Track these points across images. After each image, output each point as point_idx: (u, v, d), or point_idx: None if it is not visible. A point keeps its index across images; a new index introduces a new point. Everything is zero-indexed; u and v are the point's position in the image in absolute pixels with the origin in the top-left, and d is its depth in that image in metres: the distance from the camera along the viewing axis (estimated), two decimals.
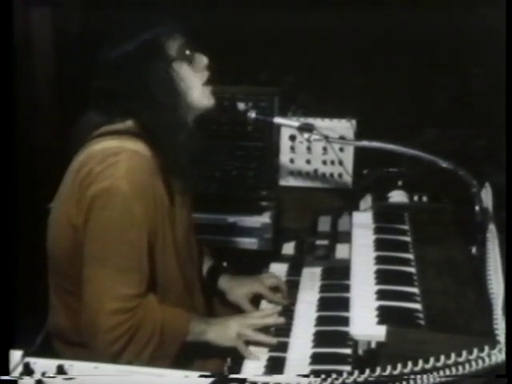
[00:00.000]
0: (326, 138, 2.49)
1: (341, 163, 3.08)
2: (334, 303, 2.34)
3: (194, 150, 2.24)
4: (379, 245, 2.41)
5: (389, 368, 1.56)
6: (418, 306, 2.04)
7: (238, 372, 2.11)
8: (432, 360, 1.58)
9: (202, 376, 1.53)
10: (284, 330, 2.26)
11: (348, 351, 2.07)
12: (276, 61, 3.43)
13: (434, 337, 1.81)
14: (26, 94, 3.17)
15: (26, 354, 1.56)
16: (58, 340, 2.31)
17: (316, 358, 2.08)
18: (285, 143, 3.17)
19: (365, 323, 1.97)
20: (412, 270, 2.24)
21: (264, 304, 2.49)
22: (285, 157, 3.19)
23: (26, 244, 2.52)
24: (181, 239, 2.28)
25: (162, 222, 2.17)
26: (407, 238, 2.45)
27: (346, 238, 2.64)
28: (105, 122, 2.24)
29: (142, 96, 2.17)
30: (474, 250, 2.32)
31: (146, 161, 2.14)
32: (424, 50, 3.34)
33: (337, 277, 2.50)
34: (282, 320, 2.30)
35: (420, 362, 1.58)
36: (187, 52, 2.24)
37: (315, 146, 3.12)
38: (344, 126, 3.09)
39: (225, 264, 2.79)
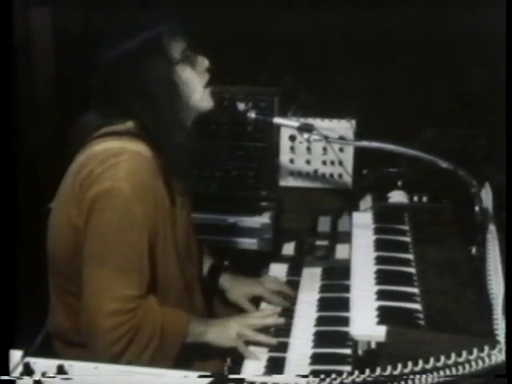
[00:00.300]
0: (326, 138, 2.49)
1: (341, 163, 3.08)
2: (334, 303, 2.34)
3: (194, 150, 2.24)
4: (379, 245, 2.41)
5: (389, 368, 1.56)
6: (417, 306, 2.04)
7: (238, 372, 2.11)
8: (432, 360, 1.58)
9: (201, 376, 1.53)
10: (284, 330, 2.26)
11: (348, 351, 2.07)
12: (276, 61, 3.42)
13: (434, 337, 1.81)
14: (26, 94, 3.17)
15: (26, 354, 1.56)
16: (58, 340, 2.31)
17: (316, 358, 2.09)
18: (285, 143, 3.17)
19: (365, 323, 1.97)
20: (412, 270, 2.24)
21: (264, 304, 2.49)
22: (285, 157, 3.19)
23: (26, 244, 2.52)
24: (181, 240, 2.28)
25: (162, 223, 2.17)
26: (407, 239, 2.45)
27: (346, 238, 2.63)
28: (105, 123, 2.24)
29: (143, 96, 2.17)
30: (473, 250, 2.32)
31: (147, 162, 2.14)
32: (424, 50, 3.34)
33: (337, 277, 2.50)
34: (281, 320, 2.30)
35: (420, 362, 1.58)
36: (189, 54, 2.24)
37: (315, 147, 3.12)
38: (344, 127, 3.09)
39: (226, 263, 2.79)
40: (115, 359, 2.03)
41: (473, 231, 2.31)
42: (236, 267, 2.79)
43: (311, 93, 3.34)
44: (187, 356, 2.17)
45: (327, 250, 2.74)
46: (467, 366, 1.59)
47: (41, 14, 3.31)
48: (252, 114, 2.53)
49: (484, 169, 2.80)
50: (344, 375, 1.54)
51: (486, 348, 1.62)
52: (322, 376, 1.54)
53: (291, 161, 3.19)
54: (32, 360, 1.55)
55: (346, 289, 2.27)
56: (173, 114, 2.18)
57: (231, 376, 1.55)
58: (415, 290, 2.13)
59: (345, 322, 2.10)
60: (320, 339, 2.18)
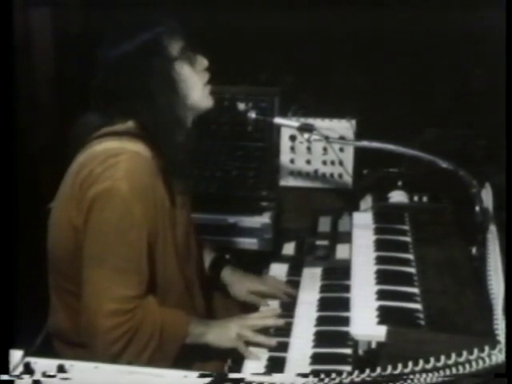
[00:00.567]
0: (326, 138, 2.49)
1: (341, 163, 3.08)
2: (335, 303, 2.34)
3: (194, 150, 2.24)
4: (379, 245, 2.41)
5: (389, 368, 1.56)
6: (418, 306, 2.04)
7: (238, 372, 2.11)
8: (432, 360, 1.58)
9: (201, 376, 1.53)
10: (284, 330, 2.26)
11: (348, 351, 2.07)
12: (276, 61, 3.42)
13: (435, 337, 1.81)
14: (26, 94, 3.17)
15: (26, 354, 1.56)
16: (58, 340, 2.31)
17: (316, 358, 2.08)
18: (285, 143, 3.17)
19: (365, 323, 1.97)
20: (412, 270, 2.24)
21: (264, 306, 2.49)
22: (285, 157, 3.19)
23: (26, 244, 2.52)
24: (181, 240, 2.28)
25: (162, 223, 2.17)
26: (407, 239, 2.45)
27: (347, 238, 2.64)
28: (105, 123, 2.24)
29: (142, 96, 2.17)
30: (474, 250, 2.32)
31: (147, 162, 2.14)
32: (424, 50, 3.34)
33: (337, 277, 2.50)
34: (281, 322, 2.29)
35: (420, 362, 1.57)
36: (188, 53, 2.24)
37: (315, 147, 3.12)
38: (344, 126, 3.09)
39: (227, 256, 2.79)
40: (114, 359, 2.03)
41: (473, 231, 2.31)
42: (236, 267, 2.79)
43: (311, 93, 3.34)
44: (187, 356, 2.16)
45: (327, 250, 2.74)
46: (467, 365, 1.59)
47: (41, 14, 3.31)
48: (252, 114, 2.53)
49: (484, 169, 2.80)
50: (344, 375, 1.53)
51: (487, 348, 1.62)
52: (322, 376, 1.53)
53: (291, 161, 3.19)
54: (32, 360, 1.55)
55: (347, 289, 2.27)
56: (172, 113, 2.18)
57: (231, 375, 1.55)
58: (415, 290, 2.13)
59: (345, 321, 2.10)
60: (320, 339, 2.17)
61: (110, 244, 2.07)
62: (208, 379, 1.52)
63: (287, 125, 2.61)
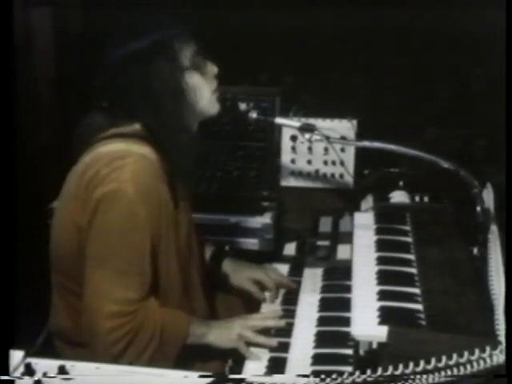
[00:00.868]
0: (327, 138, 2.49)
1: (342, 163, 3.08)
2: (336, 304, 2.33)
3: (199, 154, 2.24)
4: (380, 245, 2.41)
5: (390, 368, 1.56)
6: (419, 306, 2.04)
7: (239, 373, 2.11)
8: (433, 360, 1.58)
9: (201, 376, 1.53)
10: (285, 331, 2.26)
11: (349, 352, 2.06)
12: (277, 61, 3.42)
13: (436, 337, 1.80)
14: (26, 94, 3.17)
15: (27, 355, 1.55)
16: (60, 340, 2.31)
17: (317, 359, 2.08)
18: (286, 143, 3.17)
19: (366, 324, 1.97)
20: (413, 270, 2.24)
21: (265, 306, 2.48)
22: (286, 157, 3.18)
23: (26, 244, 2.52)
24: (183, 242, 2.28)
25: (165, 226, 2.17)
26: (408, 239, 2.45)
27: (348, 238, 2.63)
28: (111, 125, 2.24)
29: (148, 99, 2.16)
30: (475, 250, 2.32)
31: (152, 164, 2.14)
32: (424, 50, 3.34)
33: (338, 277, 2.50)
34: (282, 323, 2.29)
35: (421, 363, 1.57)
36: (199, 60, 2.23)
37: (316, 147, 3.12)
38: (345, 127, 3.09)
39: (227, 248, 2.79)
40: (115, 360, 2.03)
41: (474, 231, 2.31)
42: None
43: (312, 93, 3.34)
44: (188, 357, 2.16)
45: (328, 251, 2.74)
46: (469, 366, 1.59)
47: (41, 13, 3.31)
48: (253, 114, 2.53)
49: (485, 169, 2.80)
50: (345, 375, 1.53)
51: (488, 348, 1.62)
52: (323, 376, 1.53)
53: (292, 161, 3.19)
54: (33, 360, 1.55)
55: (348, 289, 2.27)
56: (178, 119, 2.18)
57: (231, 376, 1.54)
58: (416, 291, 2.12)
59: (346, 322, 2.09)
60: (321, 339, 2.17)
61: (113, 245, 2.07)
62: (209, 379, 1.52)
63: (288, 125, 2.61)
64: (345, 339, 2.10)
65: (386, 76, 3.35)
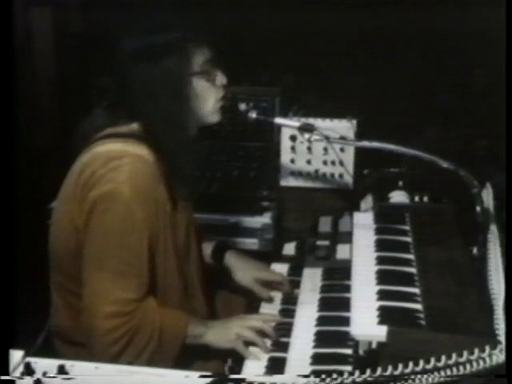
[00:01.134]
0: (327, 138, 2.49)
1: (341, 163, 3.07)
2: (335, 303, 2.34)
3: (196, 156, 2.24)
4: (380, 245, 2.41)
5: (390, 368, 1.56)
6: (418, 306, 2.04)
7: (238, 373, 2.11)
8: (433, 360, 1.58)
9: (202, 376, 1.53)
10: (285, 330, 2.26)
11: (349, 351, 2.06)
12: (277, 61, 3.42)
13: (435, 337, 1.80)
14: (26, 94, 3.17)
15: (27, 354, 1.56)
16: (59, 339, 2.31)
17: (317, 358, 2.08)
18: (285, 143, 3.16)
19: (365, 323, 1.97)
20: (413, 270, 2.24)
21: (264, 307, 2.48)
22: (285, 157, 3.18)
23: (26, 244, 2.52)
24: (181, 243, 2.28)
25: (163, 227, 2.17)
26: (408, 239, 2.45)
27: (347, 238, 2.63)
28: (110, 124, 2.24)
29: (152, 97, 2.15)
30: (474, 250, 2.32)
31: (149, 165, 2.13)
32: (424, 50, 3.34)
33: (337, 277, 2.50)
34: (278, 335, 2.23)
35: (421, 363, 1.57)
36: (209, 67, 2.23)
37: (316, 147, 3.12)
38: (344, 126, 3.08)
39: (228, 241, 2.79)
40: (113, 360, 2.03)
41: (474, 231, 2.31)
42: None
43: (312, 93, 3.34)
44: (187, 357, 2.16)
45: (328, 250, 2.74)
46: (468, 366, 1.59)
47: (41, 14, 3.31)
48: (253, 114, 2.53)
49: (485, 169, 2.80)
50: (345, 375, 1.53)
51: (487, 348, 1.62)
52: (323, 376, 1.53)
53: (292, 161, 3.18)
54: (33, 360, 1.55)
55: (347, 289, 2.27)
56: (179, 121, 2.18)
57: (232, 376, 1.55)
58: (416, 290, 2.12)
59: (346, 321, 2.09)
60: (321, 339, 2.17)
61: (110, 246, 2.07)
62: (209, 379, 1.52)
63: (288, 125, 2.61)
64: (344, 339, 2.10)
65: (386, 76, 3.35)
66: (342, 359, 2.05)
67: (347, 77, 3.39)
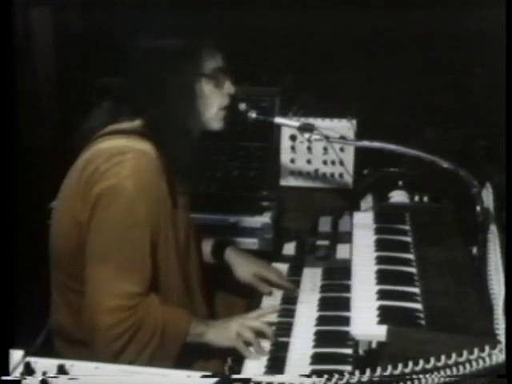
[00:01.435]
0: (327, 137, 2.49)
1: (341, 163, 3.08)
2: (335, 303, 2.34)
3: (198, 154, 2.25)
4: (380, 245, 2.41)
5: (389, 368, 1.56)
6: (418, 305, 2.04)
7: (238, 372, 2.11)
8: (433, 360, 1.58)
9: (204, 376, 1.53)
10: (285, 330, 2.26)
11: (349, 351, 2.06)
12: (276, 61, 3.42)
13: (435, 337, 1.80)
14: (26, 94, 3.17)
15: (26, 354, 1.56)
16: (59, 338, 2.31)
17: (317, 358, 2.08)
18: (285, 143, 3.17)
19: (365, 323, 1.97)
20: (413, 270, 2.24)
21: (265, 303, 2.48)
22: (285, 157, 3.18)
23: (26, 244, 2.52)
24: (182, 241, 2.29)
25: (164, 223, 2.18)
26: (408, 239, 2.45)
27: (347, 238, 2.64)
28: (111, 121, 2.24)
29: (159, 97, 2.16)
30: (474, 250, 2.32)
31: (152, 161, 2.14)
32: (424, 49, 3.34)
33: (337, 277, 2.50)
34: (274, 339, 2.22)
35: (421, 362, 1.57)
36: (219, 75, 2.24)
37: (316, 146, 3.12)
38: (344, 126, 3.09)
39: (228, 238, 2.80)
40: (116, 357, 2.04)
41: (474, 231, 2.31)
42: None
43: (312, 93, 3.34)
44: (187, 356, 2.17)
45: (328, 250, 2.74)
46: (468, 365, 1.59)
47: (41, 14, 3.31)
48: (253, 114, 2.54)
49: (485, 169, 2.80)
50: (346, 375, 1.53)
51: (487, 348, 1.62)
52: (328, 376, 1.53)
53: (292, 160, 3.19)
54: (33, 360, 1.55)
55: (347, 288, 2.27)
56: (182, 121, 2.18)
57: (237, 376, 1.54)
58: (416, 290, 2.13)
59: (345, 321, 2.10)
60: (321, 339, 2.17)
61: (113, 241, 2.07)
62: (211, 380, 1.52)
63: (288, 125, 2.61)
64: (344, 339, 2.10)
65: (386, 76, 3.35)
66: (341, 359, 2.05)
67: (347, 77, 3.39)
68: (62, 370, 1.52)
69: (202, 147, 2.27)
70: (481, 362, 1.60)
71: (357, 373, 1.54)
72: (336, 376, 1.52)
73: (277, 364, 2.10)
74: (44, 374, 1.51)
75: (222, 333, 2.21)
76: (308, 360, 2.08)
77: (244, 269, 2.56)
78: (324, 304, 2.36)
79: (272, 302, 2.48)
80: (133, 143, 2.15)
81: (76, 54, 3.43)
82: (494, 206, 2.42)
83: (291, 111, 3.12)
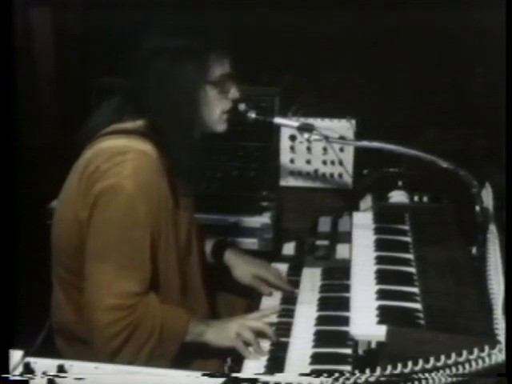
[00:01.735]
0: (326, 138, 2.49)
1: (341, 163, 3.08)
2: (335, 303, 2.34)
3: (200, 155, 2.25)
4: (379, 245, 2.41)
5: (389, 368, 1.56)
6: (418, 305, 2.04)
7: (238, 372, 2.11)
8: (432, 360, 1.58)
9: (204, 375, 1.53)
10: (284, 330, 2.26)
11: (348, 351, 2.06)
12: (276, 61, 3.42)
13: (434, 337, 1.81)
14: (26, 94, 3.17)
15: (26, 354, 1.56)
16: (60, 336, 2.31)
17: (316, 358, 2.08)
18: (285, 143, 3.17)
19: (365, 323, 1.97)
20: (412, 270, 2.24)
21: (265, 302, 2.48)
22: (285, 157, 3.18)
23: (26, 244, 2.52)
24: (183, 241, 2.29)
25: (165, 223, 2.18)
26: (407, 239, 2.45)
27: (347, 238, 2.64)
28: (114, 120, 2.24)
29: (163, 94, 2.16)
30: (474, 250, 2.32)
31: (153, 161, 2.14)
32: (424, 49, 3.34)
33: (337, 277, 2.50)
34: (276, 338, 2.23)
35: (420, 362, 1.57)
36: (225, 81, 2.25)
37: (315, 146, 3.12)
38: (344, 126, 3.09)
39: (228, 239, 2.80)
40: (114, 355, 2.04)
41: (473, 231, 2.31)
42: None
43: (311, 93, 3.34)
44: (186, 356, 2.17)
45: (327, 250, 2.74)
46: (467, 365, 1.59)
47: (41, 14, 3.31)
48: (252, 114, 2.53)
49: (484, 169, 2.80)
50: (347, 374, 1.53)
51: (487, 348, 1.62)
52: (336, 375, 1.53)
53: (291, 161, 3.19)
54: (32, 360, 1.55)
55: (347, 288, 2.27)
56: (185, 122, 2.18)
57: (246, 376, 1.54)
58: (415, 290, 2.13)
59: (345, 321, 2.10)
60: (320, 339, 2.17)
61: (112, 240, 2.08)
62: (212, 380, 1.52)
63: (287, 125, 2.61)
64: (344, 338, 2.10)
65: (386, 76, 3.35)
66: (341, 359, 2.05)
67: (347, 77, 3.39)
68: (61, 370, 1.52)
69: (204, 149, 2.26)
70: (480, 361, 1.60)
71: (366, 371, 1.54)
72: (345, 375, 1.52)
73: (276, 364, 2.10)
74: (44, 374, 1.51)
75: (222, 333, 2.21)
76: (307, 360, 2.08)
77: (243, 271, 2.56)
78: (323, 304, 2.36)
79: (271, 302, 2.48)
80: (134, 143, 2.16)
81: (76, 54, 3.43)
82: (493, 205, 2.42)
83: (291, 111, 3.11)
